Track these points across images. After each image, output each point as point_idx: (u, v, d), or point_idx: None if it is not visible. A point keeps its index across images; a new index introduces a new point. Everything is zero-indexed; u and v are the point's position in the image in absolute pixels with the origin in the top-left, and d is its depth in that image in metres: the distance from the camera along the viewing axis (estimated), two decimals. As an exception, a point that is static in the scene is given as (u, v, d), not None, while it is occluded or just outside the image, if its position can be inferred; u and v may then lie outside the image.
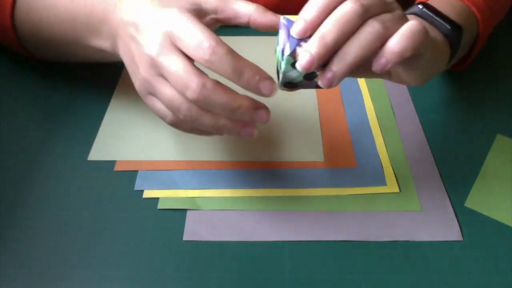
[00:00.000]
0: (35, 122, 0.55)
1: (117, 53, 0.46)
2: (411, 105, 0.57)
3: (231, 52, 0.38)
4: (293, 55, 0.38)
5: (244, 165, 0.50)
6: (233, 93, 0.39)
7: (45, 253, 0.42)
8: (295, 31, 0.38)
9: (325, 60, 0.38)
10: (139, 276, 0.41)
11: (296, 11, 0.72)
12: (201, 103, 0.39)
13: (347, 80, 0.61)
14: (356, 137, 0.53)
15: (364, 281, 0.40)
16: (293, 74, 0.40)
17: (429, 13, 0.49)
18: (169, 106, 0.41)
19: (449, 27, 0.48)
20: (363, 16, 0.38)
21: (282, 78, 0.40)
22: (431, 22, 0.48)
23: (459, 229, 0.44)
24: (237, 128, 0.41)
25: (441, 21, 0.48)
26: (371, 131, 0.54)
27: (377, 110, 0.56)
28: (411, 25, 0.38)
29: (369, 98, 0.58)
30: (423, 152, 0.51)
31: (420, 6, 0.49)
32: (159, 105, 0.42)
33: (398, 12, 0.40)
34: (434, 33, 0.47)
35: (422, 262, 0.42)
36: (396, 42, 0.37)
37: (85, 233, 0.44)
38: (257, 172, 0.49)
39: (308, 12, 0.38)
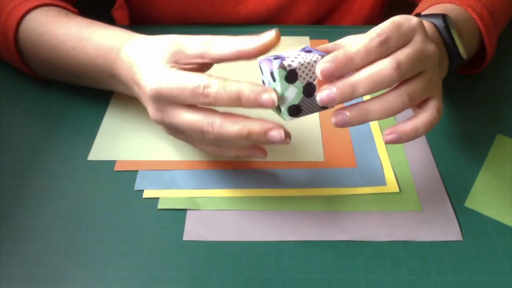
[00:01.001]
0: (35, 122, 0.55)
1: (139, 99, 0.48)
2: (411, 105, 0.57)
3: (223, 83, 0.39)
4: (283, 66, 0.38)
5: (244, 165, 0.50)
6: (242, 120, 0.40)
7: (45, 253, 0.42)
8: (321, 68, 0.38)
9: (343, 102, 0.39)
10: (139, 276, 0.41)
11: (301, 13, 0.72)
12: (218, 142, 0.42)
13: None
14: (356, 137, 0.53)
15: (364, 281, 0.40)
16: (291, 93, 0.40)
17: (447, 34, 0.50)
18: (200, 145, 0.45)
19: (456, 54, 0.50)
20: (398, 80, 0.39)
21: (283, 102, 0.40)
22: (444, 40, 0.50)
23: (459, 229, 0.44)
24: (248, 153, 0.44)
25: (453, 47, 0.50)
26: (371, 131, 0.53)
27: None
28: (433, 117, 0.40)
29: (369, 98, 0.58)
30: (423, 152, 0.51)
31: (443, 23, 0.50)
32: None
33: (429, 76, 0.40)
34: (442, 52, 0.49)
35: (422, 262, 0.42)
36: (415, 131, 0.40)
37: (85, 233, 0.44)
38: (257, 172, 0.49)
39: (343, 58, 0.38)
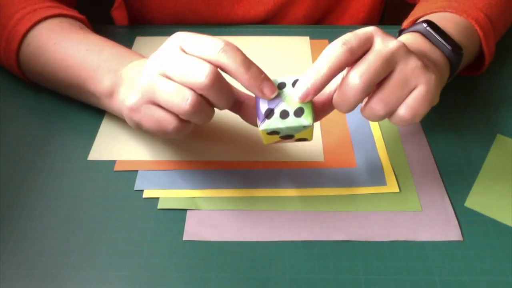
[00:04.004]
0: (35, 122, 0.55)
1: (114, 89, 0.48)
2: (411, 105, 0.57)
3: (240, 50, 0.40)
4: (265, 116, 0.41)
5: (244, 165, 0.50)
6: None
7: (45, 253, 0.42)
8: (299, 95, 0.41)
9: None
10: (139, 276, 0.41)
11: (298, 14, 0.72)
12: (216, 81, 0.40)
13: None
14: (356, 137, 0.53)
15: (364, 281, 0.40)
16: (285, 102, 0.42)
17: (433, 33, 0.49)
18: (174, 98, 0.40)
19: (450, 48, 0.49)
20: (364, 89, 0.40)
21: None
22: (434, 42, 0.49)
23: (459, 229, 0.44)
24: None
25: (444, 42, 0.49)
26: (371, 131, 0.54)
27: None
28: (416, 105, 0.42)
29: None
30: (423, 152, 0.51)
31: (425, 25, 0.50)
32: (158, 113, 0.42)
33: (399, 73, 0.42)
34: (436, 53, 0.49)
35: (422, 262, 0.42)
36: (406, 113, 0.42)
37: (85, 233, 0.44)
38: (257, 172, 0.49)
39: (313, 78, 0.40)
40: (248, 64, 0.40)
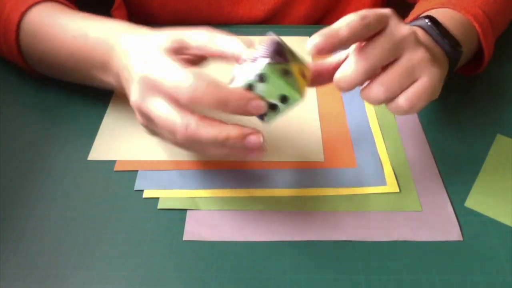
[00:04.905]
0: (35, 122, 0.55)
1: (124, 92, 0.47)
2: (411, 105, 0.57)
3: (212, 84, 0.38)
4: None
5: (244, 165, 0.50)
6: (219, 124, 0.39)
7: (45, 253, 0.42)
8: (313, 44, 0.39)
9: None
10: (139, 276, 0.41)
11: (298, 14, 0.72)
12: (190, 142, 0.40)
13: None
14: (356, 137, 0.53)
15: (364, 281, 0.40)
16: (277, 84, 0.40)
17: (435, 30, 0.49)
18: (163, 132, 0.41)
19: (450, 46, 0.49)
20: (366, 70, 0.40)
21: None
22: (435, 39, 0.49)
23: (459, 229, 0.44)
24: (239, 155, 0.41)
25: (445, 39, 0.49)
26: (371, 131, 0.54)
27: (377, 110, 0.56)
28: (425, 84, 0.41)
29: None
30: (423, 152, 0.51)
31: (427, 21, 0.50)
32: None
33: (405, 61, 0.41)
34: (436, 50, 0.48)
35: (422, 262, 0.42)
36: (406, 102, 0.41)
37: (85, 233, 0.44)
38: (257, 172, 0.49)
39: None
40: (224, 100, 0.38)
